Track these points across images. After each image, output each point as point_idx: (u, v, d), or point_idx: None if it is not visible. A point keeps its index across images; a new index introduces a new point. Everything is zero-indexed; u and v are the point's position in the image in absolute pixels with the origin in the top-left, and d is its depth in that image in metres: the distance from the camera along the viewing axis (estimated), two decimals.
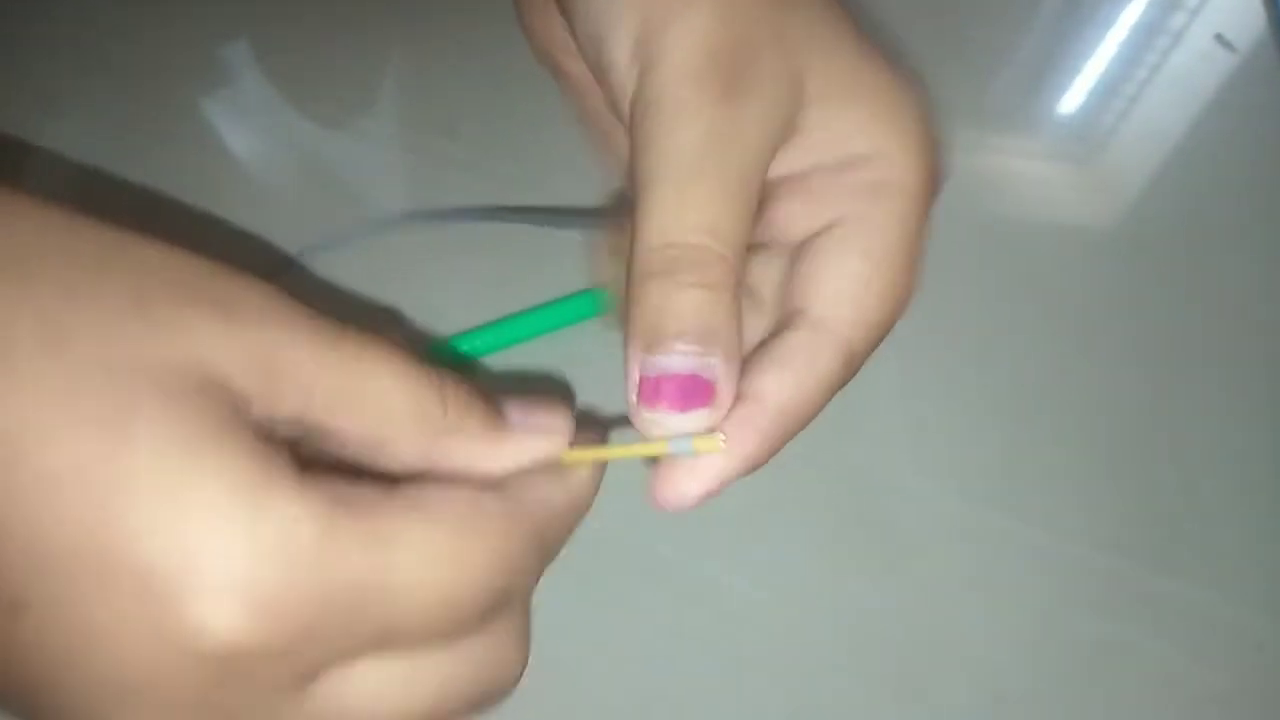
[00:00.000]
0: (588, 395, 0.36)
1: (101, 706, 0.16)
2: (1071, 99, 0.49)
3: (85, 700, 0.16)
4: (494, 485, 0.19)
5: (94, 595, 0.15)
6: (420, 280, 0.39)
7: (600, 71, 0.22)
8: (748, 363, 0.22)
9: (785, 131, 0.21)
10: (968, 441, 0.37)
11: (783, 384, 0.21)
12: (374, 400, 0.18)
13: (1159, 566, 0.35)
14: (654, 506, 0.21)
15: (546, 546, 0.20)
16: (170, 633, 0.15)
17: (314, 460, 0.18)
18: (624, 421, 0.21)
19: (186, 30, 0.46)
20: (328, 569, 0.16)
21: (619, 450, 0.21)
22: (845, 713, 0.32)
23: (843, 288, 0.22)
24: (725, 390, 0.20)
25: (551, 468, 0.20)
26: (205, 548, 0.15)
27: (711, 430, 0.20)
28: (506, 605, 0.19)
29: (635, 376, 0.20)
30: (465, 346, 0.36)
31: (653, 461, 0.22)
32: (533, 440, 0.20)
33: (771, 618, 0.33)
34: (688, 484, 0.21)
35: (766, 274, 0.23)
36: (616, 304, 0.24)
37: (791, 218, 0.23)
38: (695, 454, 0.21)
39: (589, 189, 0.41)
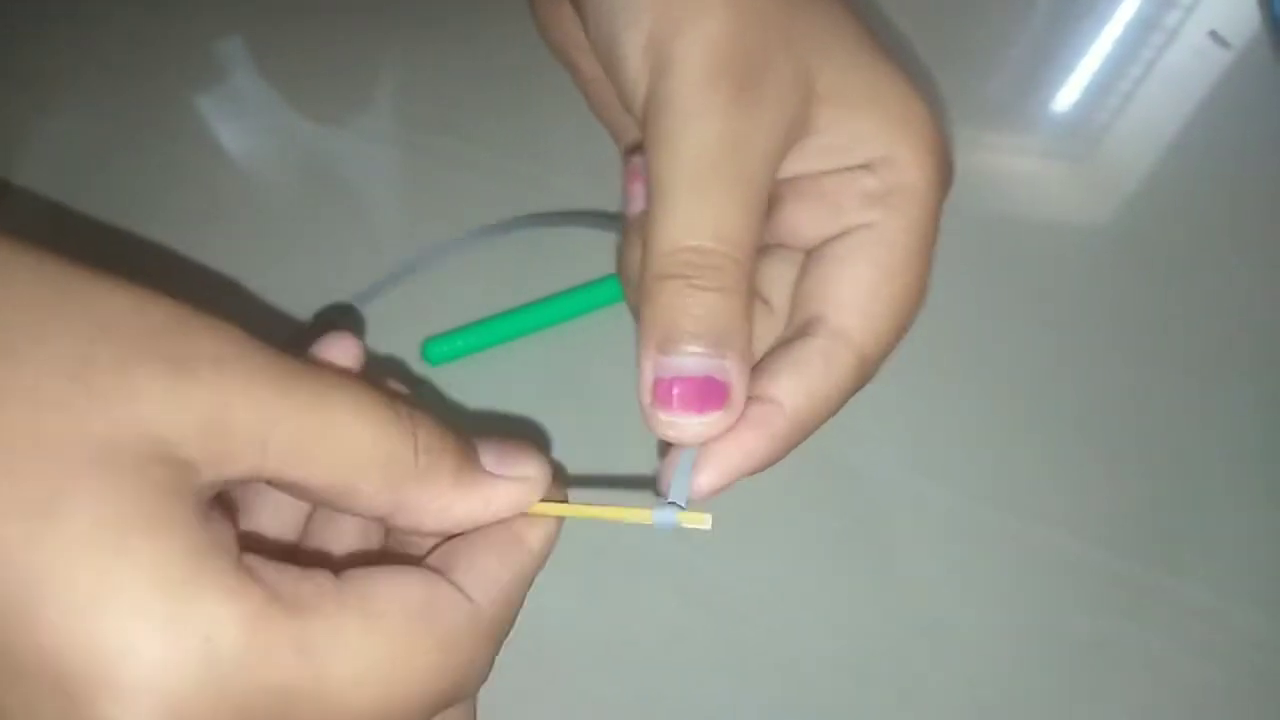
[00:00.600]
0: (605, 383, 0.36)
1: None
2: (1066, 96, 0.49)
3: None
4: (446, 567, 0.19)
5: (5, 684, 0.14)
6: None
7: (612, 69, 0.22)
8: (763, 366, 0.22)
9: (795, 133, 0.21)
10: (963, 438, 0.37)
11: (798, 389, 0.21)
12: (336, 448, 0.17)
13: (1155, 563, 0.35)
14: (661, 496, 0.21)
15: (499, 637, 0.19)
16: None
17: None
18: (590, 482, 0.21)
19: (182, 28, 0.45)
20: (252, 675, 0.15)
21: (597, 510, 0.21)
22: (841, 709, 0.32)
23: (859, 298, 0.22)
24: (738, 392, 0.20)
25: (503, 543, 0.20)
26: (122, 648, 0.14)
27: (721, 429, 0.21)
28: (453, 705, 0.19)
29: (649, 377, 0.20)
30: (447, 348, 0.37)
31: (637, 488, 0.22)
32: (506, 489, 0.20)
33: (767, 614, 0.33)
34: (698, 479, 0.21)
35: (776, 276, 0.24)
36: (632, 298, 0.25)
37: (803, 221, 0.23)
38: (678, 526, 0.21)
39: (592, 184, 0.41)
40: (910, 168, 0.22)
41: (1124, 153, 0.47)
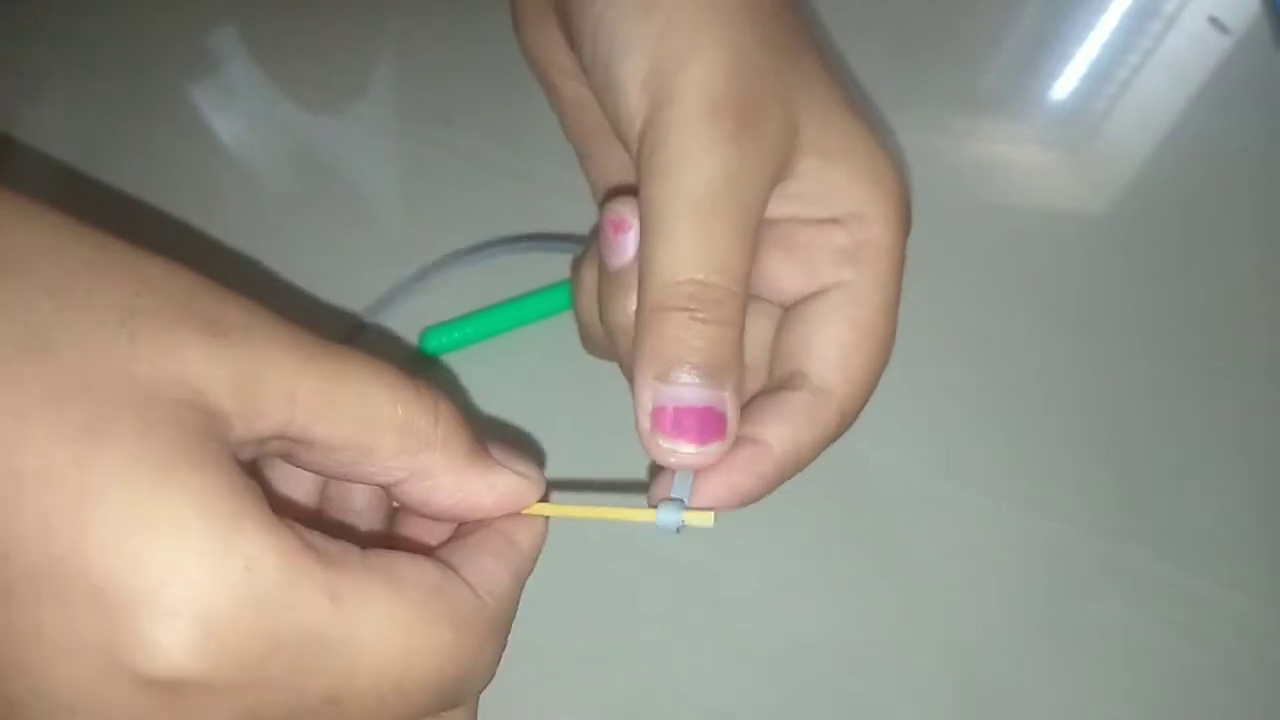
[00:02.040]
0: (565, 387, 0.36)
1: (34, 716, 0.15)
2: (1064, 84, 0.49)
3: (19, 706, 0.15)
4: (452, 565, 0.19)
5: (46, 597, 0.14)
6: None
7: (608, 97, 0.23)
8: (750, 411, 0.23)
9: (779, 176, 0.22)
10: (961, 428, 0.37)
11: (785, 435, 0.23)
12: (359, 406, 0.18)
13: (1151, 550, 0.35)
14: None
15: (500, 636, 0.20)
16: (117, 649, 0.15)
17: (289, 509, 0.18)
18: (584, 486, 0.21)
19: (175, 17, 0.45)
20: (288, 612, 0.15)
21: (601, 511, 0.22)
22: (838, 695, 0.32)
23: (840, 356, 0.23)
24: (733, 423, 0.22)
25: (496, 545, 0.20)
26: (166, 568, 0.15)
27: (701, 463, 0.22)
28: (459, 703, 0.19)
29: (648, 404, 0.21)
30: (446, 338, 0.37)
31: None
32: (511, 480, 0.20)
33: (765, 603, 0.33)
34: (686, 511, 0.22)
35: (750, 328, 0.24)
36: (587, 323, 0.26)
37: (780, 274, 0.24)
38: (682, 526, 0.21)
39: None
40: (877, 223, 0.23)
41: (1123, 140, 0.47)
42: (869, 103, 0.45)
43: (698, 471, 0.22)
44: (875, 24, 0.49)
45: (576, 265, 0.27)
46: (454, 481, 0.20)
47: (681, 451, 0.21)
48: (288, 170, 0.43)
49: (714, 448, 0.21)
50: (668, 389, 0.21)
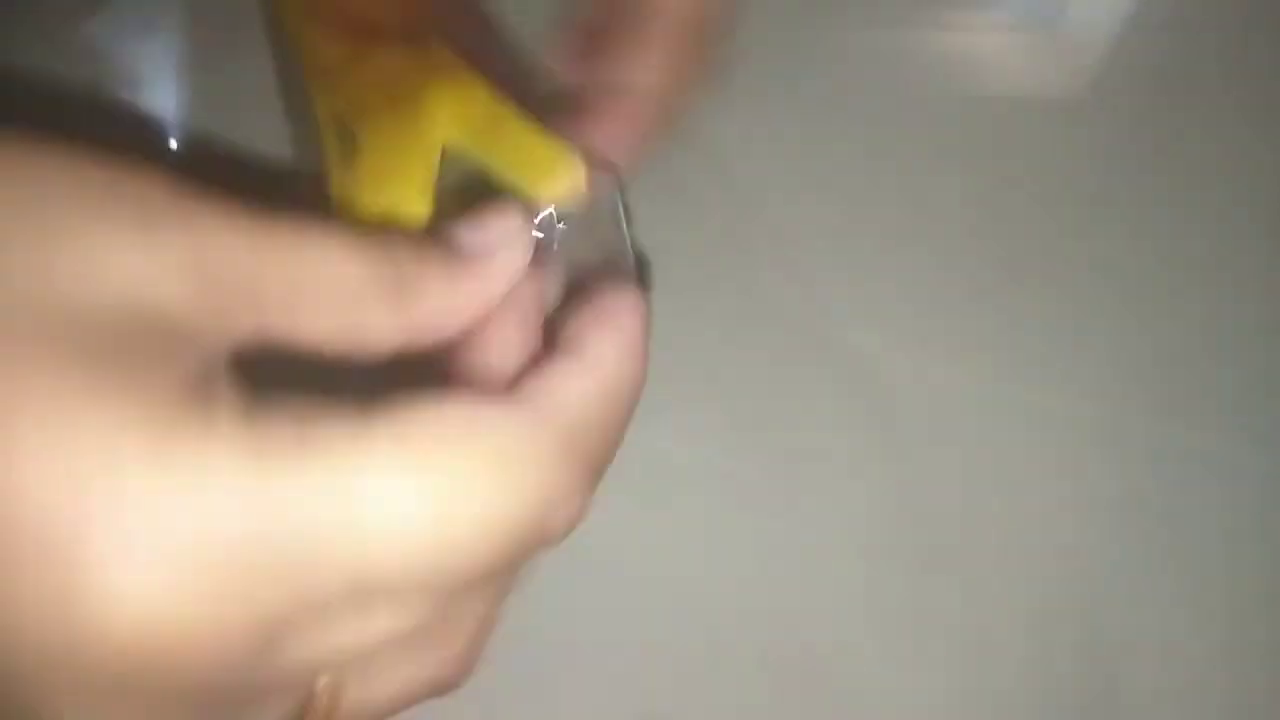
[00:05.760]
0: None
1: (23, 688, 0.13)
2: None
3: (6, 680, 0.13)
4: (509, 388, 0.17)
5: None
6: None
7: None
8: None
9: None
10: (964, 320, 0.37)
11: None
12: (333, 286, 0.16)
13: (1169, 419, 0.35)
14: None
15: (579, 457, 0.16)
16: (78, 604, 0.12)
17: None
18: None
19: None
20: (272, 517, 0.13)
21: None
22: (864, 582, 0.31)
23: None
24: None
25: (574, 354, 0.18)
26: (110, 500, 0.12)
27: None
28: (547, 541, 0.16)
29: None
30: None
31: None
32: (502, 255, 0.19)
33: (786, 503, 0.33)
34: None
35: None
36: None
37: None
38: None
39: None
40: None
41: (1094, 13, 0.46)
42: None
43: None
44: None
45: None
46: (449, 307, 0.18)
47: None
48: None
49: None
50: None
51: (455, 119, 0.23)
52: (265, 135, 0.37)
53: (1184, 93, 0.43)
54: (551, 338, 0.19)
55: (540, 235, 0.20)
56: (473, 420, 0.15)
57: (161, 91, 0.41)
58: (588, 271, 0.21)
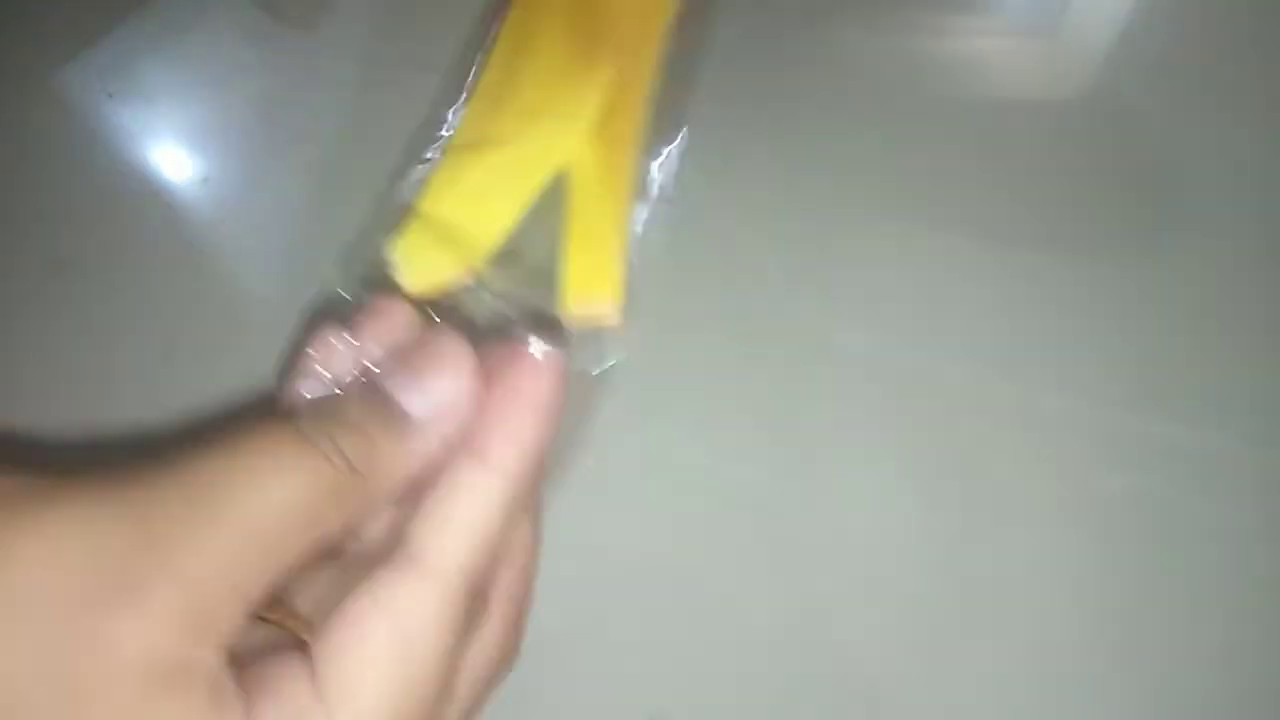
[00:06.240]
0: None
1: None
2: None
3: None
4: (406, 541, 0.19)
5: None
6: None
7: None
8: None
9: None
10: (972, 317, 0.37)
11: None
12: (285, 523, 0.17)
13: (1172, 416, 0.35)
14: None
15: (484, 584, 0.19)
16: None
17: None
18: None
19: None
20: None
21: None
22: (870, 580, 0.32)
23: None
24: None
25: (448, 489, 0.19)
26: None
27: None
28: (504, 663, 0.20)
29: None
30: None
31: None
32: (430, 430, 0.19)
33: (790, 502, 0.33)
34: None
35: None
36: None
37: None
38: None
39: None
40: None
41: (1093, 18, 0.46)
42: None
43: None
44: None
45: None
46: (391, 486, 0.19)
47: None
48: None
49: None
50: None
51: (585, 156, 0.24)
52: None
53: (1182, 97, 0.43)
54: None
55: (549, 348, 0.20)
56: (396, 629, 0.18)
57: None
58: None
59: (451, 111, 0.27)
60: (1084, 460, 0.34)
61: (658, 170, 0.26)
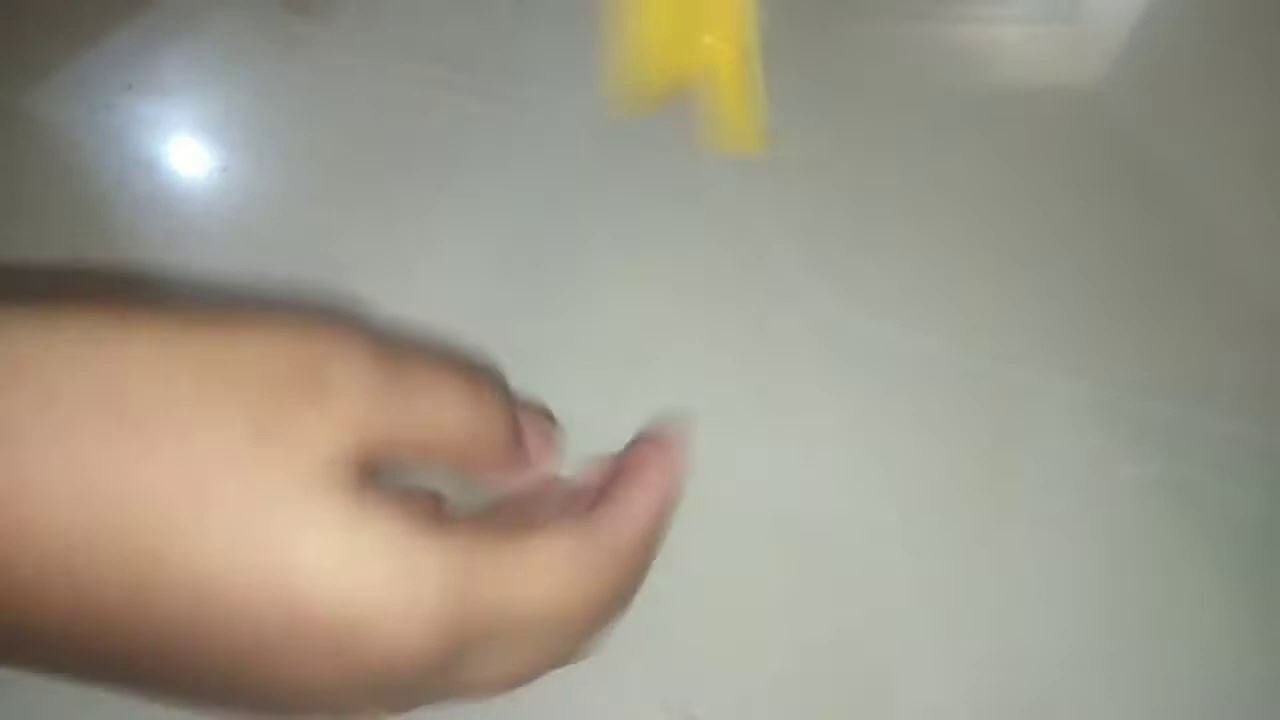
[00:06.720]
0: None
1: (280, 701, 0.18)
2: None
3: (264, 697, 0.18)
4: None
5: (283, 642, 0.17)
6: None
7: None
8: None
9: None
10: (989, 306, 0.37)
11: None
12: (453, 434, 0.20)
13: (1186, 401, 0.35)
14: None
15: (640, 567, 0.22)
16: (360, 661, 0.17)
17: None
18: None
19: None
20: (480, 596, 0.18)
21: None
22: (876, 568, 0.31)
23: None
24: None
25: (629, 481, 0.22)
26: (388, 588, 0.17)
27: None
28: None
29: None
30: None
31: None
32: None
33: (801, 488, 0.33)
34: None
35: None
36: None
37: None
38: None
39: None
40: None
41: (1107, 7, 0.46)
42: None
43: None
44: None
45: None
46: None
47: None
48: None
49: None
50: None
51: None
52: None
53: (1197, 84, 0.43)
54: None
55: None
56: (582, 540, 0.20)
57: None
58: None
59: None
60: (1099, 447, 0.34)
61: None
